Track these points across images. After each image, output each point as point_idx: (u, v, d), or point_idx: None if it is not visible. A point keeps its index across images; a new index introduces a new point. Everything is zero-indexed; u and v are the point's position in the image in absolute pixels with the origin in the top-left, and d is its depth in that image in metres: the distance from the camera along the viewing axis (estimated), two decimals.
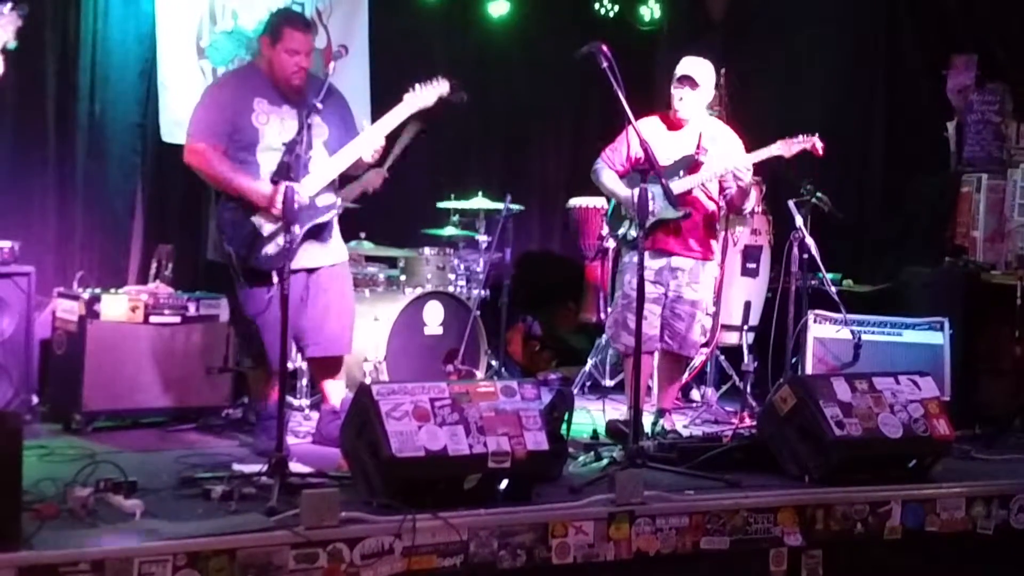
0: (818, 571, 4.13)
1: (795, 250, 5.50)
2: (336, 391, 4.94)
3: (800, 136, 5.18)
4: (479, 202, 6.61)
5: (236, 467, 4.22)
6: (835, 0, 7.38)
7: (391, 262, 6.54)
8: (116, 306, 5.23)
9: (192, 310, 5.41)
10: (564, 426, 4.46)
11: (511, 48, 7.69)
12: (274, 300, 4.39)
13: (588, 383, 6.57)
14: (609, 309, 5.89)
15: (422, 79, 4.72)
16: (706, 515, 3.99)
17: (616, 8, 7.88)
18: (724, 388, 6.43)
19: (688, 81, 5.20)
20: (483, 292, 6.38)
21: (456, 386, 3.93)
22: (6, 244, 5.16)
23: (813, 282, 5.72)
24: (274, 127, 4.62)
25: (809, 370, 5.68)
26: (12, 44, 4.36)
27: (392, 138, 5.10)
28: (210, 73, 6.66)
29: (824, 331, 5.78)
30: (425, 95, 4.68)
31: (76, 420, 5.10)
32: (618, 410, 5.43)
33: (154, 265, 5.80)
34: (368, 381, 4.96)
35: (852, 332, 5.66)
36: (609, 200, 5.49)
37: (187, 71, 6.57)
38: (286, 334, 4.08)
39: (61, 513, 3.51)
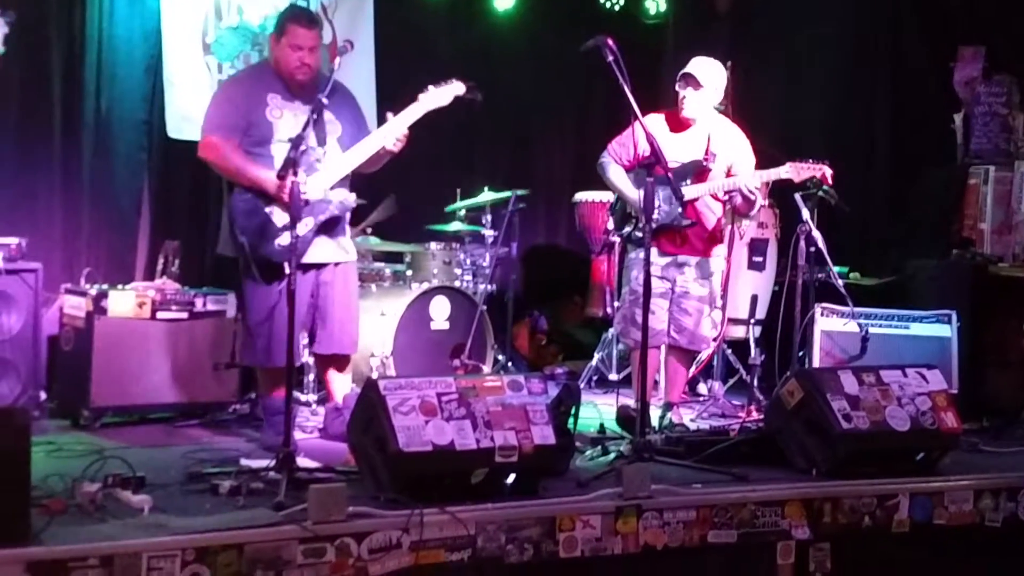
0: (826, 564, 4.13)
1: (802, 243, 5.49)
2: (342, 387, 4.95)
3: (810, 162, 5.15)
4: (485, 196, 6.61)
5: (244, 462, 4.24)
6: None
7: (397, 257, 6.55)
8: (123, 302, 5.24)
9: (199, 306, 5.42)
10: (571, 420, 4.46)
11: (516, 42, 7.67)
12: (284, 293, 4.40)
13: (595, 377, 6.57)
14: (616, 304, 5.89)
15: (437, 80, 4.76)
16: (713, 509, 3.99)
17: (622, 2, 7.86)
18: (731, 382, 6.42)
19: (691, 80, 5.17)
20: (489, 287, 6.38)
21: (463, 381, 3.94)
22: (13, 241, 5.17)
23: (820, 275, 5.71)
24: (288, 122, 4.67)
25: (816, 363, 5.67)
26: (0, 50, 4.43)
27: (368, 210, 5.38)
28: (216, 69, 6.66)
29: (831, 324, 5.77)
30: (440, 95, 4.76)
31: (84, 416, 5.11)
32: (627, 402, 5.42)
33: (161, 261, 5.80)
34: (375, 376, 4.97)
35: (859, 325, 5.66)
36: (615, 195, 5.48)
37: (193, 67, 6.58)
38: (292, 329, 4.09)
39: (70, 508, 3.52)
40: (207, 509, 3.66)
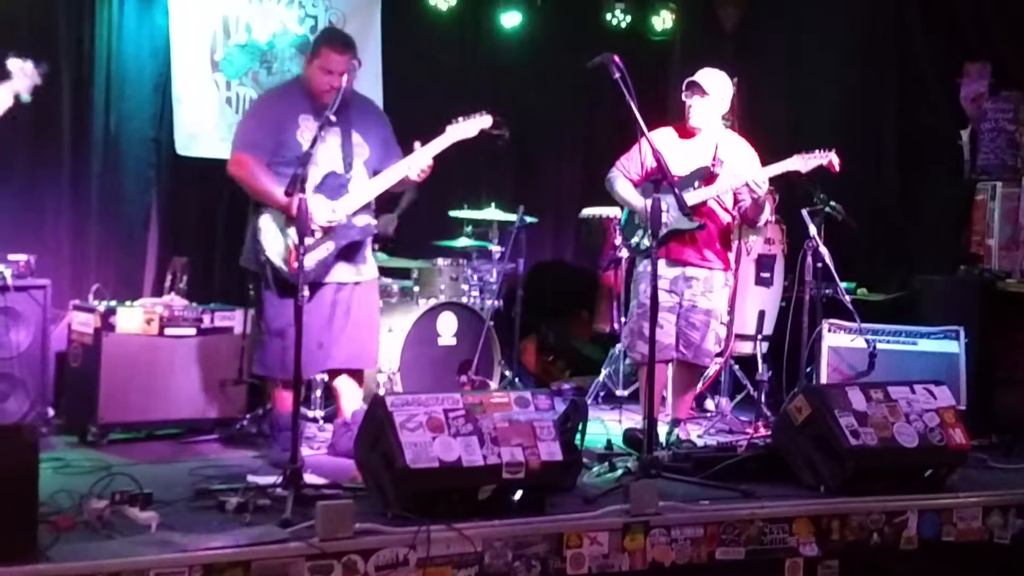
0: None
1: (809, 259, 5.49)
2: (353, 402, 4.96)
3: (817, 151, 5.14)
4: (492, 213, 6.62)
5: (251, 479, 4.23)
6: (845, 11, 7.37)
7: (405, 273, 6.56)
8: (131, 318, 5.25)
9: (207, 322, 5.43)
10: (578, 436, 4.46)
11: (523, 59, 7.70)
12: (304, 311, 4.47)
13: (602, 393, 6.56)
14: (623, 319, 5.88)
15: (466, 112, 4.79)
16: (721, 525, 3.98)
17: (628, 19, 7.88)
18: (738, 398, 6.41)
19: (696, 88, 5.20)
20: (496, 303, 6.38)
21: (470, 397, 3.94)
22: (22, 257, 5.19)
23: (827, 291, 5.71)
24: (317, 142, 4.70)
25: (824, 379, 5.66)
26: (26, 98, 4.61)
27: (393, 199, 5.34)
28: (224, 86, 6.70)
29: (839, 340, 5.76)
30: (467, 127, 4.78)
31: (92, 432, 5.11)
32: (634, 420, 5.42)
33: (169, 277, 5.82)
34: (382, 392, 4.98)
35: (867, 341, 5.65)
36: (623, 209, 5.49)
37: (201, 85, 6.61)
38: (300, 344, 4.10)
39: (77, 525, 3.53)
40: (214, 526, 3.66)
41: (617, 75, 4.55)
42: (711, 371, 6.03)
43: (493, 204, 6.66)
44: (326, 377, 5.47)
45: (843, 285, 5.76)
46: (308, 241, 4.58)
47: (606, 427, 5.44)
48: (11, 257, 5.17)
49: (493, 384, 6.08)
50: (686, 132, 5.30)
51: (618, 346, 6.44)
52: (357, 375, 4.99)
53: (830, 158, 5.14)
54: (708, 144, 5.27)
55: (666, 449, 4.92)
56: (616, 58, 4.56)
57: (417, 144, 4.76)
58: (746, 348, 6.30)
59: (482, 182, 7.36)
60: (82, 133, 6.28)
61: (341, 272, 4.81)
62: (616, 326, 6.63)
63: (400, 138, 4.97)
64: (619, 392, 6.49)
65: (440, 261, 6.47)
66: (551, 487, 3.98)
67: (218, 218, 6.68)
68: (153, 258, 6.50)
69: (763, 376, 6.00)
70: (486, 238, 6.67)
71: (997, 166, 6.62)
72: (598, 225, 7.01)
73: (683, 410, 5.47)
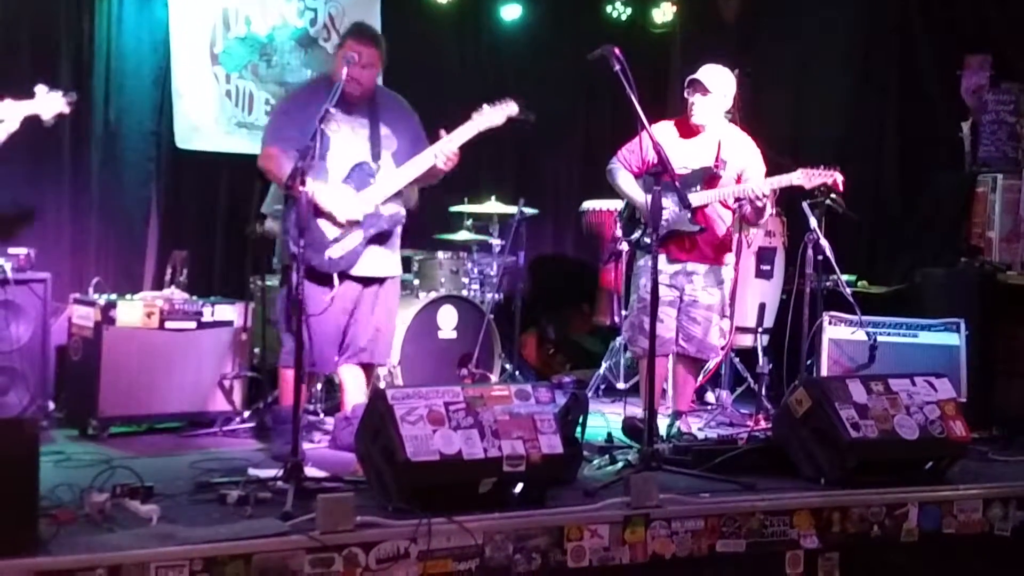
0: (835, 574, 4.12)
1: (809, 251, 5.48)
2: (356, 399, 4.96)
3: (821, 168, 5.14)
4: (492, 206, 6.62)
5: (252, 472, 4.23)
6: (847, 6, 7.35)
7: (405, 266, 6.54)
8: (132, 312, 5.25)
9: (207, 315, 5.43)
10: (578, 429, 4.46)
11: (524, 52, 7.69)
12: (333, 302, 4.67)
13: (602, 386, 6.56)
14: (624, 312, 5.88)
15: (492, 100, 4.82)
16: (722, 518, 3.98)
17: (628, 11, 7.87)
18: (739, 390, 6.41)
19: (698, 86, 5.19)
20: (497, 296, 6.38)
21: (470, 390, 3.94)
22: (22, 251, 5.20)
23: (828, 284, 5.70)
24: (345, 135, 4.78)
25: (824, 372, 5.66)
26: (49, 123, 4.74)
27: None
28: (224, 79, 6.70)
29: (839, 333, 5.76)
30: (493, 115, 4.82)
31: (92, 425, 5.12)
32: (634, 412, 5.42)
33: (169, 271, 5.82)
34: (382, 386, 4.98)
35: (867, 334, 5.64)
36: (624, 202, 5.48)
37: (201, 78, 6.61)
38: (301, 338, 4.10)
39: (78, 518, 3.53)
40: (215, 519, 3.66)
41: (617, 67, 4.54)
42: (711, 364, 6.03)
43: (493, 197, 6.65)
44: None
45: (844, 278, 5.76)
46: (337, 231, 4.74)
47: (606, 420, 5.44)
48: (11, 251, 5.18)
49: (493, 377, 6.08)
50: (688, 129, 5.28)
51: (618, 339, 6.44)
52: (369, 370, 5.02)
53: (834, 177, 5.14)
54: (711, 142, 5.25)
55: (667, 442, 4.93)
56: (616, 50, 4.55)
57: (443, 132, 4.78)
58: (747, 341, 6.30)
59: (482, 175, 7.36)
60: (82, 126, 6.28)
61: (370, 264, 4.84)
62: (616, 319, 6.63)
63: None
64: (619, 385, 6.49)
65: (440, 254, 6.47)
66: (552, 480, 3.98)
67: (218, 211, 6.68)
68: (153, 251, 6.50)
69: (763, 369, 5.99)
70: (486, 231, 6.67)
71: (998, 158, 6.61)
72: (598, 218, 7.01)
73: (684, 403, 5.48)
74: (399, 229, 4.96)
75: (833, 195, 5.68)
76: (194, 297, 5.55)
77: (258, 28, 6.78)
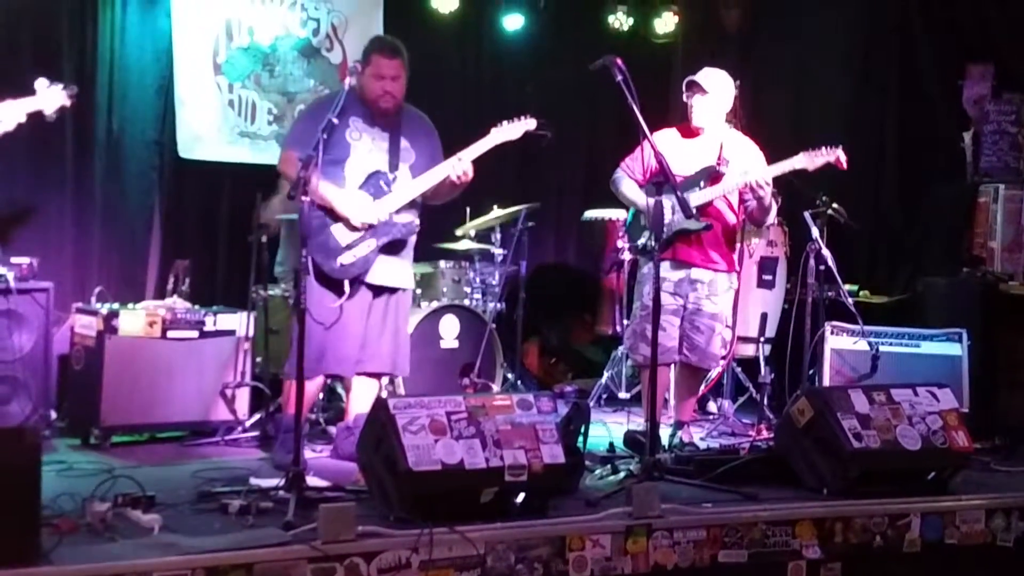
0: None
1: (811, 261, 5.48)
2: (360, 408, 4.95)
3: (823, 148, 5.10)
4: (494, 215, 6.61)
5: (253, 481, 4.23)
6: (848, 13, 7.37)
7: None
8: (134, 321, 5.25)
9: (209, 324, 5.43)
10: (580, 439, 4.46)
11: (526, 62, 7.69)
12: (344, 309, 4.67)
13: (604, 395, 6.56)
14: (626, 321, 5.88)
15: (511, 116, 4.90)
16: (724, 528, 3.98)
17: (630, 21, 7.88)
18: (741, 400, 6.41)
19: (695, 87, 5.21)
20: (499, 305, 6.38)
21: (472, 399, 3.94)
22: (25, 260, 5.20)
23: (830, 293, 5.70)
24: (365, 144, 4.83)
25: (826, 382, 5.66)
26: (51, 118, 4.66)
27: None
28: (226, 89, 6.71)
29: (841, 343, 5.76)
30: (511, 130, 4.91)
31: (94, 435, 5.12)
32: (636, 422, 5.42)
33: (171, 280, 5.83)
34: (384, 395, 4.97)
35: (869, 344, 5.64)
36: (628, 210, 5.49)
37: (204, 87, 6.62)
38: (303, 346, 4.10)
39: (80, 528, 3.52)
40: (217, 528, 3.66)
41: (619, 77, 4.55)
42: (713, 373, 6.03)
43: (495, 206, 6.65)
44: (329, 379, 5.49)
45: (846, 287, 5.76)
46: (351, 237, 4.77)
47: (608, 429, 5.44)
48: (14, 260, 5.18)
49: (495, 387, 6.08)
50: (690, 132, 5.30)
51: (620, 348, 6.44)
52: (374, 381, 5.03)
53: (837, 155, 5.09)
54: (713, 143, 5.27)
55: (669, 452, 4.92)
56: (618, 60, 4.57)
57: (461, 151, 4.84)
58: (749, 351, 6.30)
59: (484, 184, 7.34)
60: (85, 135, 6.29)
61: (382, 273, 4.86)
62: (618, 328, 6.63)
63: None
64: (621, 395, 6.49)
65: (442, 263, 6.46)
66: (553, 490, 3.98)
67: (220, 220, 6.68)
68: (155, 260, 6.50)
69: (765, 378, 5.99)
70: (488, 240, 6.67)
71: (1000, 168, 6.62)
72: (600, 227, 7.01)
73: (686, 412, 5.47)
74: (412, 240, 4.98)
75: (835, 205, 5.68)
76: (196, 306, 5.55)
77: (261, 38, 6.80)
